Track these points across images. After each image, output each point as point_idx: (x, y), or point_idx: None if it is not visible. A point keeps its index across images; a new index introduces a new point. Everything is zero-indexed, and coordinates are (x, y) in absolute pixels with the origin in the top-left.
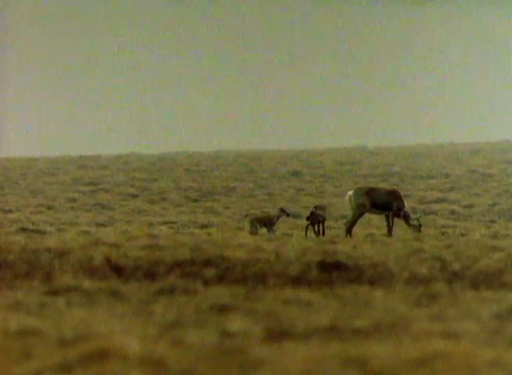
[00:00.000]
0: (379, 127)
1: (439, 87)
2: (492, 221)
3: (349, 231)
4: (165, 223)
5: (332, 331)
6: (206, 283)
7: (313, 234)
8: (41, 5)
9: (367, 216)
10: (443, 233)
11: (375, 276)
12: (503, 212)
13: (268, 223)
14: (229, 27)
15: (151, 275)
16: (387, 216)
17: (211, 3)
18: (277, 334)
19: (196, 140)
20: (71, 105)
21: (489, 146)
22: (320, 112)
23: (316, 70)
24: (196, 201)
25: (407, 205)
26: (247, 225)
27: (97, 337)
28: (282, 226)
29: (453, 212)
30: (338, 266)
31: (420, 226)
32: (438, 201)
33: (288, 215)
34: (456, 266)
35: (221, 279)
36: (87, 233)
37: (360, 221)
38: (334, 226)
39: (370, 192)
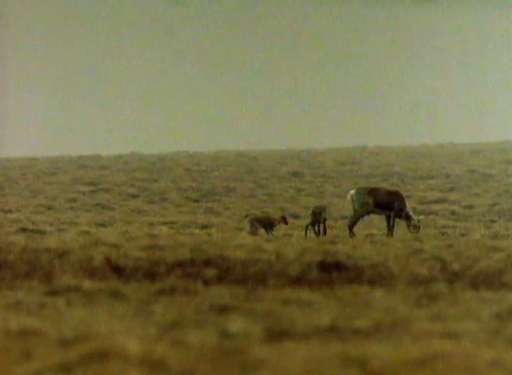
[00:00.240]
0: (379, 127)
1: (439, 87)
2: (492, 221)
3: (350, 230)
4: (165, 223)
5: (332, 331)
6: (206, 283)
7: (313, 234)
8: (41, 5)
9: (367, 216)
10: (443, 234)
11: (375, 277)
12: (503, 213)
13: (267, 223)
14: (229, 28)
15: (151, 275)
16: (388, 217)
17: (211, 4)
18: (277, 334)
19: (196, 140)
20: (71, 106)
21: (489, 146)
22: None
23: (316, 70)
24: (196, 201)
25: (408, 205)
26: (246, 225)
27: (97, 337)
28: (282, 226)
29: (453, 212)
30: (338, 266)
31: (419, 227)
32: (438, 201)
33: (287, 223)
34: (456, 266)
35: (221, 279)
36: (87, 233)
37: (361, 221)
38: (334, 226)
39: (372, 192)
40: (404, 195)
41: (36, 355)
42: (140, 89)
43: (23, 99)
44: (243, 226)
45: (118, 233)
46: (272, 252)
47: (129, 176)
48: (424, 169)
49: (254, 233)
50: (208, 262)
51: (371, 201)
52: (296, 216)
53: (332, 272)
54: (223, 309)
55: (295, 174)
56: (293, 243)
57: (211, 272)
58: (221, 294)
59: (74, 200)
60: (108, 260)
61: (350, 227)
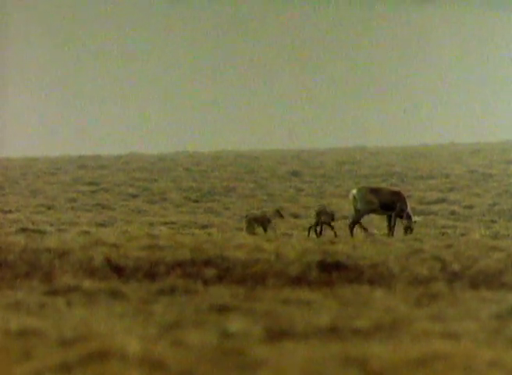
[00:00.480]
0: (379, 127)
1: (439, 87)
2: (493, 221)
3: (351, 229)
4: (165, 223)
5: (332, 331)
6: (206, 283)
7: (314, 235)
8: (41, 5)
9: (367, 216)
10: (443, 234)
11: (375, 276)
12: (503, 213)
13: (264, 222)
14: (229, 28)
15: (151, 275)
16: (389, 217)
17: (211, 3)
18: (277, 334)
19: (196, 140)
20: (71, 106)
21: (489, 146)
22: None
23: (316, 70)
24: (196, 201)
25: (409, 205)
26: (244, 224)
27: (97, 337)
28: (282, 226)
29: (453, 212)
30: (338, 266)
31: (412, 229)
32: (438, 201)
33: (282, 217)
34: (456, 266)
35: (221, 279)
36: (87, 233)
37: (361, 221)
38: (334, 226)
39: (374, 191)
40: (405, 195)
41: (36, 354)
42: (140, 89)
43: (23, 99)
44: (243, 226)
45: (118, 233)
46: (271, 252)
47: (129, 176)
48: (424, 169)
49: (251, 232)
50: (207, 262)
51: (375, 200)
52: (296, 216)
53: (332, 272)
54: (223, 309)
55: (295, 174)
56: (293, 243)
57: (211, 272)
58: (221, 294)
59: (74, 200)
60: (108, 260)
61: (352, 227)
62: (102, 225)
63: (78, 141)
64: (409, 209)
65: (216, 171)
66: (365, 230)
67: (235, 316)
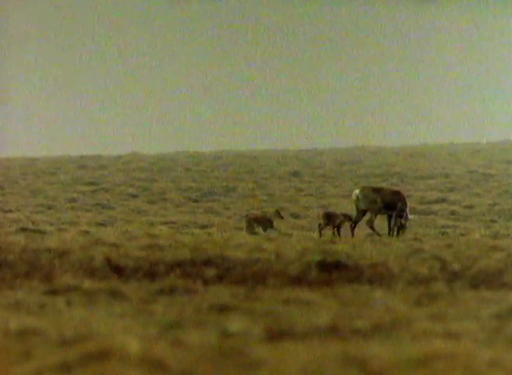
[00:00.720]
0: (379, 127)
1: (439, 87)
2: (493, 221)
3: (372, 229)
4: (165, 223)
5: (332, 331)
6: (206, 283)
7: (314, 234)
8: (41, 5)
9: (368, 216)
10: (443, 234)
11: (375, 276)
12: (503, 212)
13: (265, 222)
14: (229, 27)
15: (151, 275)
16: (389, 216)
17: (211, 4)
18: (277, 334)
19: (196, 140)
20: (71, 106)
21: (489, 146)
22: (320, 112)
23: (316, 70)
24: (196, 201)
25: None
26: (244, 224)
27: (97, 337)
28: (282, 226)
29: (453, 212)
30: (338, 265)
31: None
32: (438, 201)
33: (282, 217)
34: (456, 266)
35: (221, 279)
36: (87, 233)
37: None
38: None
39: (376, 191)
40: (405, 195)
41: (36, 354)
42: (140, 89)
43: (23, 99)
44: (243, 226)
45: (118, 233)
46: (271, 252)
47: (129, 176)
48: (424, 169)
49: (251, 232)
50: (207, 262)
51: (378, 199)
52: (296, 216)
53: (332, 271)
54: (223, 309)
55: (295, 174)
56: (293, 243)
57: (210, 271)
58: (221, 293)
59: (74, 200)
60: (108, 260)
61: (353, 227)
62: (102, 225)
63: (78, 140)
64: (408, 209)
65: (216, 171)
66: (374, 230)
67: (235, 315)
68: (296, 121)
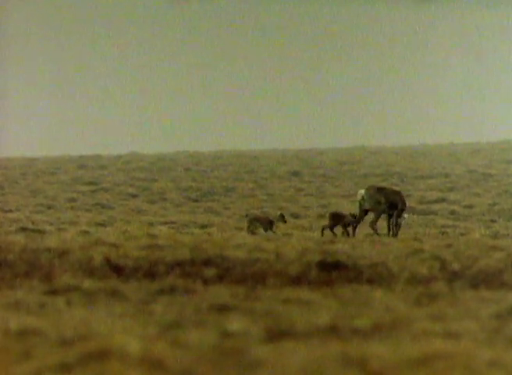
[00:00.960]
0: (379, 127)
1: (438, 87)
2: (492, 221)
3: (374, 229)
4: (165, 222)
5: (332, 331)
6: (206, 282)
7: (315, 234)
8: (41, 5)
9: (368, 215)
10: (443, 233)
11: (375, 276)
12: (503, 212)
13: (266, 223)
14: (229, 27)
15: (150, 275)
16: (390, 216)
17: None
18: (277, 334)
19: (196, 140)
20: (71, 105)
21: (489, 146)
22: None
23: (316, 70)
24: (196, 201)
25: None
26: (246, 225)
27: (97, 337)
28: (282, 225)
29: (452, 211)
30: (338, 265)
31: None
32: (438, 201)
33: (285, 222)
34: (456, 266)
35: (220, 279)
36: (86, 233)
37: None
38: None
39: (381, 191)
40: (404, 195)
41: (36, 354)
42: (140, 89)
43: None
44: (243, 226)
45: (118, 233)
46: (271, 252)
47: (129, 176)
48: (424, 169)
49: (252, 232)
50: (207, 262)
51: (383, 199)
52: (296, 216)
53: (332, 271)
54: (223, 309)
55: (295, 174)
56: (293, 243)
57: (210, 271)
58: (220, 293)
59: (74, 200)
60: (107, 260)
61: (355, 226)
62: (102, 225)
63: (78, 140)
64: (406, 209)
65: (216, 171)
66: (376, 231)
67: (235, 315)
68: (296, 121)
